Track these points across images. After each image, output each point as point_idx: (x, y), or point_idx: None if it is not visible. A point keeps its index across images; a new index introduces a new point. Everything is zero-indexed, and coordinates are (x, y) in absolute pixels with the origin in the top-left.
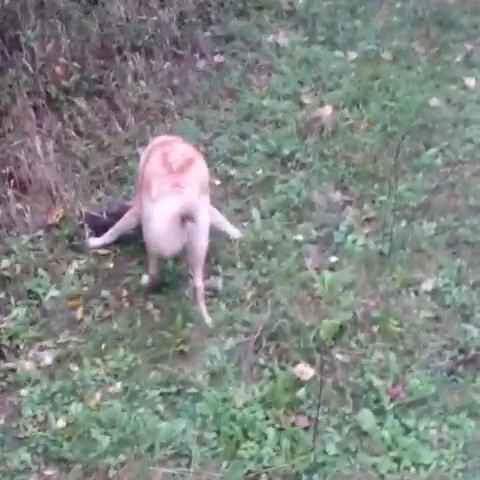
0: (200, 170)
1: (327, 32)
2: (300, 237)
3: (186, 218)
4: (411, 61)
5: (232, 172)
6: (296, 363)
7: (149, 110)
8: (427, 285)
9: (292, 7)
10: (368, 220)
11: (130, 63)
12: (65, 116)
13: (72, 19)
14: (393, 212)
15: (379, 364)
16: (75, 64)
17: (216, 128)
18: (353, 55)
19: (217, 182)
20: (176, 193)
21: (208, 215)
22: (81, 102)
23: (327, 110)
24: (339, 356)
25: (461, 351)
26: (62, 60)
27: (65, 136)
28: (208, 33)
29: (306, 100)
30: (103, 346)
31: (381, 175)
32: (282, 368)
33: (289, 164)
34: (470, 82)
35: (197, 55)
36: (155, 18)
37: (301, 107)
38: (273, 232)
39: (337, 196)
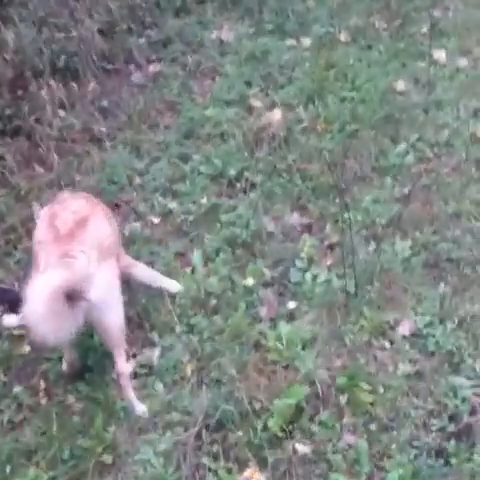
0: (97, 230)
1: (276, 19)
2: (251, 281)
3: (74, 296)
4: (371, 40)
5: (172, 205)
6: (246, 463)
7: (75, 142)
8: (404, 328)
9: None
10: (331, 247)
11: (47, 90)
12: None
13: None
14: (355, 234)
15: (348, 454)
16: None
17: (154, 152)
18: (306, 41)
19: (156, 220)
20: (62, 265)
21: (116, 284)
22: None
23: (276, 114)
24: (299, 446)
25: (451, 418)
26: None
27: None
28: (143, 40)
29: (255, 103)
30: (9, 468)
31: (343, 186)
32: (228, 471)
33: (238, 185)
34: (440, 56)
35: (132, 67)
36: (74, 34)
37: (250, 112)
38: (218, 279)
39: (294, 219)
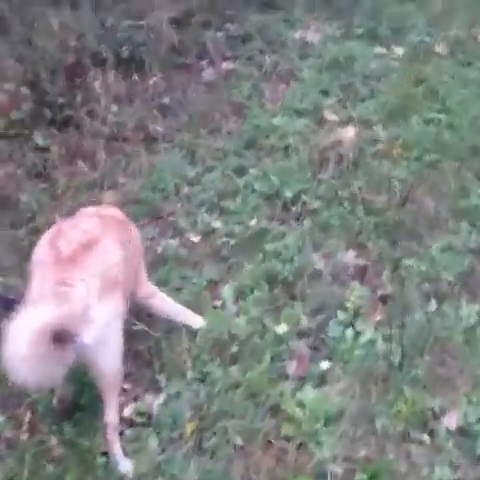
0: (104, 256)
1: (368, 22)
2: (283, 328)
3: (65, 337)
4: (471, 55)
5: (216, 224)
6: None
7: (126, 141)
8: (450, 420)
9: None
10: (383, 299)
11: (102, 81)
12: (18, 155)
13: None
14: (414, 288)
15: None
16: (24, 89)
17: (209, 160)
18: (398, 51)
19: (195, 239)
20: (57, 296)
21: (117, 323)
22: (38, 137)
23: (349, 131)
24: None
25: None
26: (7, 86)
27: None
28: (221, 34)
29: (329, 116)
30: None
31: (410, 226)
32: None
33: (292, 209)
34: None
35: (204, 63)
36: (143, 22)
37: (321, 126)
38: (247, 320)
39: (348, 258)
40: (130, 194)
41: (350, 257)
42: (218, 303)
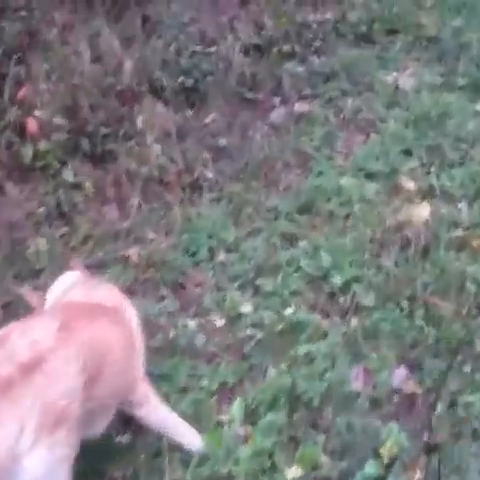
0: (50, 384)
1: (473, 72)
2: (297, 472)
3: None
4: None
5: (245, 308)
6: None
7: (167, 187)
8: None
9: (438, 32)
10: (429, 448)
11: (151, 114)
12: (41, 191)
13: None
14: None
15: None
16: (57, 118)
17: (257, 220)
18: None
19: (219, 323)
20: None
21: (59, 476)
22: (67, 172)
23: (424, 209)
24: None
25: None
26: (38, 113)
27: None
28: (302, 68)
29: (406, 183)
30: None
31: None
32: None
33: (340, 300)
34: None
35: (276, 100)
36: (213, 48)
37: (394, 194)
38: (252, 453)
39: (398, 378)
40: (157, 254)
41: (400, 377)
42: (225, 418)
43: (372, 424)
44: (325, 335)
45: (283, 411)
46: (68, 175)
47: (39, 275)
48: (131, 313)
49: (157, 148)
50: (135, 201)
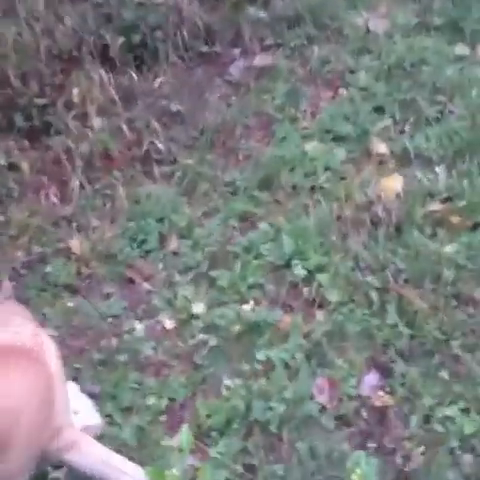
0: None
1: (451, 10)
2: None
3: None
4: None
5: (197, 308)
6: None
7: (112, 164)
8: None
9: None
10: (405, 476)
11: (89, 81)
12: None
13: None
14: None
15: None
16: None
17: (214, 198)
18: None
19: (169, 324)
20: None
21: None
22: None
23: (396, 181)
24: None
25: None
26: None
27: None
28: (263, 14)
29: (377, 146)
30: None
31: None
32: None
33: (304, 292)
34: None
35: (237, 52)
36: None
37: (365, 162)
38: None
39: (365, 389)
40: (101, 244)
41: (367, 387)
42: (174, 443)
43: (338, 448)
44: (286, 337)
45: (238, 436)
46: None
47: None
48: (48, 347)
49: (99, 119)
50: (76, 183)
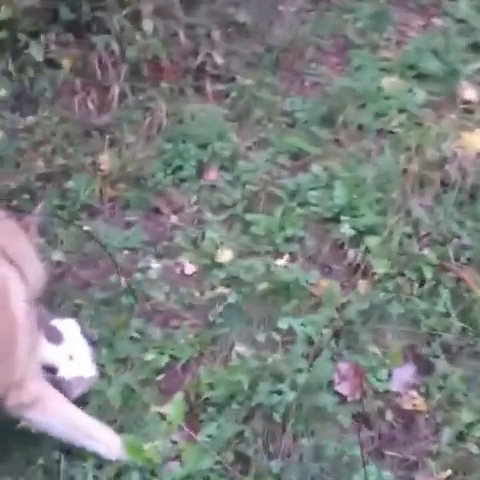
0: None
1: None
2: None
3: None
4: None
5: (224, 256)
6: None
7: (162, 72)
8: None
9: None
10: None
11: None
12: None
13: None
14: None
15: None
16: None
17: (266, 129)
18: None
19: (189, 268)
20: None
21: None
22: (35, 47)
23: (477, 139)
24: None
25: None
26: None
27: None
28: None
29: (465, 92)
30: None
31: None
32: None
33: (350, 254)
34: None
35: None
36: None
37: (448, 108)
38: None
39: (398, 384)
40: (131, 164)
41: (400, 383)
42: (166, 410)
43: (349, 452)
44: (317, 306)
45: (236, 418)
46: (34, 51)
47: None
48: (15, 292)
49: (151, 22)
50: (117, 90)
